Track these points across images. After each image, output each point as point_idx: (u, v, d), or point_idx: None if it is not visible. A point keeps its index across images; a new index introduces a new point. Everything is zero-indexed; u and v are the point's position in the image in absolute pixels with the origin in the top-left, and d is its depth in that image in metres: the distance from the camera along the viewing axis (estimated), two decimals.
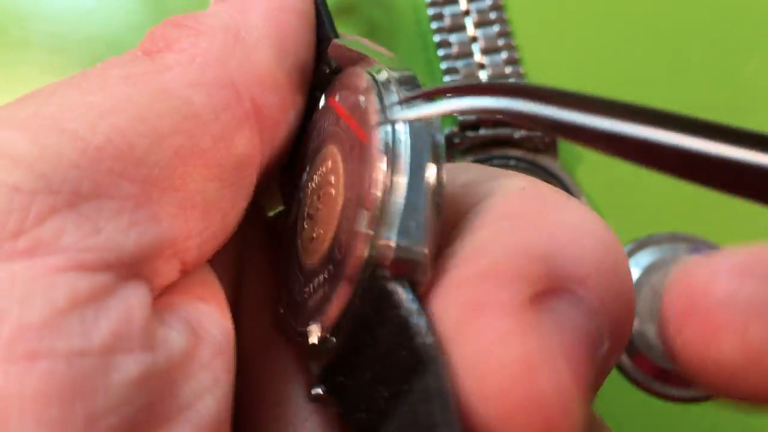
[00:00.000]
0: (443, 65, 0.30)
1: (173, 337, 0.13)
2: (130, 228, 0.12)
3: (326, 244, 0.15)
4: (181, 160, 0.13)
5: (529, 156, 0.29)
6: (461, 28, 0.30)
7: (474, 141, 0.28)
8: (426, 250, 0.12)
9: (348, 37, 0.17)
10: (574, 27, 0.32)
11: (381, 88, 0.14)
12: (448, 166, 0.15)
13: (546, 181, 0.28)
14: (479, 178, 0.15)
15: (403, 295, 0.12)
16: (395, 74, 0.14)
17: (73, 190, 0.12)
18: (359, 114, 0.14)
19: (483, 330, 0.12)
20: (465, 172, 0.15)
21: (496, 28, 0.30)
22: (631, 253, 0.28)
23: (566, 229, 0.13)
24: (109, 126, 0.12)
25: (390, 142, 0.13)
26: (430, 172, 0.13)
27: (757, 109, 0.31)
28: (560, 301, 0.12)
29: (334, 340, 0.14)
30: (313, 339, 0.14)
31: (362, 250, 0.13)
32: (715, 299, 0.12)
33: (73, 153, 0.12)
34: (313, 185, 0.16)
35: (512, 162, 0.29)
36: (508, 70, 0.30)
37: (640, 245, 0.28)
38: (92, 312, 0.11)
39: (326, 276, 0.14)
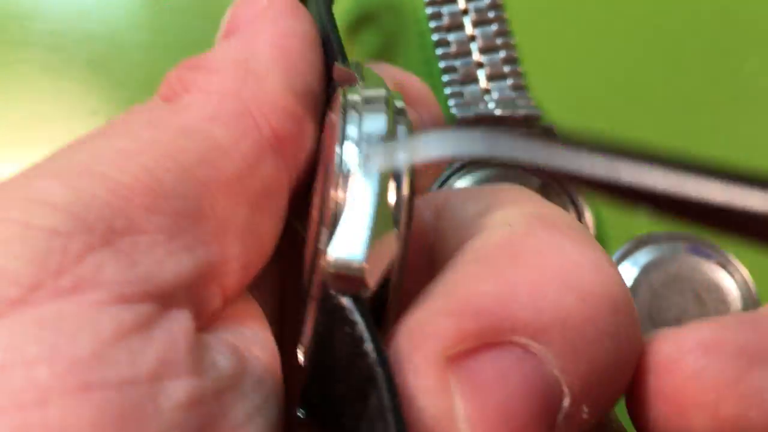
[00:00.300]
0: (441, 64, 0.30)
1: (220, 361, 0.13)
2: (166, 258, 0.13)
3: (308, 266, 0.15)
4: (209, 190, 0.14)
5: None
6: (459, 26, 0.30)
7: None
8: (364, 265, 0.12)
9: (372, 66, 0.18)
10: (573, 25, 0.32)
11: (347, 107, 0.14)
12: (467, 193, 0.16)
13: (544, 180, 0.28)
14: (484, 209, 0.15)
15: (351, 310, 0.12)
16: (366, 94, 0.14)
17: (107, 227, 0.12)
18: (331, 134, 0.14)
19: (406, 382, 0.12)
20: (478, 201, 0.15)
21: (494, 27, 0.30)
22: (630, 251, 0.28)
23: (533, 277, 0.12)
24: (136, 166, 0.13)
25: (345, 163, 0.13)
26: (381, 188, 0.13)
27: (756, 107, 0.31)
28: (499, 356, 0.12)
29: (312, 365, 0.14)
30: (301, 360, 0.14)
31: (321, 268, 0.13)
32: (683, 377, 0.12)
33: (104, 193, 0.13)
34: (310, 208, 0.16)
35: None
36: (506, 69, 0.30)
37: (639, 244, 0.28)
38: (138, 341, 0.12)
39: (306, 296, 0.14)
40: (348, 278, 0.12)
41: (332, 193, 0.13)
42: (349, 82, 0.16)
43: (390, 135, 0.14)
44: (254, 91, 0.15)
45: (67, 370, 0.11)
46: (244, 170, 0.14)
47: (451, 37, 0.30)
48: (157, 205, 0.13)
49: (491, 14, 0.30)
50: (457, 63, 0.30)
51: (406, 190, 0.13)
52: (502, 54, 0.30)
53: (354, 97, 0.14)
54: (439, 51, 0.30)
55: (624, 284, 0.13)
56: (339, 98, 0.15)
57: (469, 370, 0.12)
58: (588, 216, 0.28)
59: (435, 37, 0.30)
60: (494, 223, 0.14)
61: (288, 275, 0.18)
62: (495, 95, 0.29)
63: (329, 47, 0.17)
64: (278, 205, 0.15)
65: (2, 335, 0.11)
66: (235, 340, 0.14)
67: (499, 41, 0.30)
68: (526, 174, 0.29)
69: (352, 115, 0.14)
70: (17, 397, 0.11)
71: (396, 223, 0.13)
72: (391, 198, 0.13)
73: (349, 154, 0.13)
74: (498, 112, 0.28)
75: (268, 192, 0.15)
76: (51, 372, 0.11)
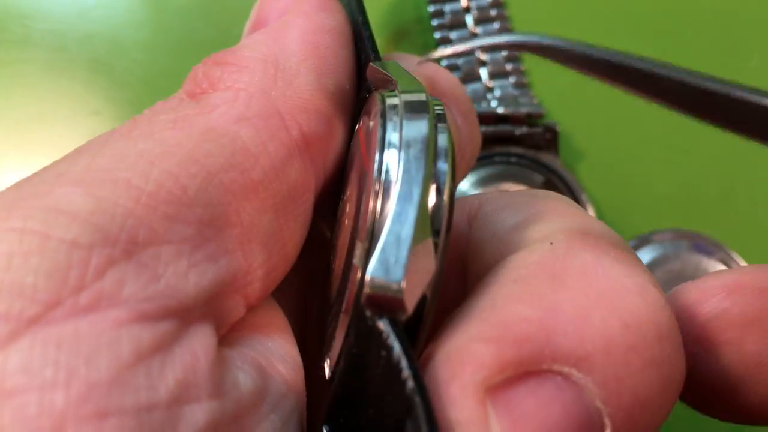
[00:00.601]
0: (444, 62, 0.30)
1: (241, 380, 0.13)
2: (190, 270, 0.12)
3: (339, 277, 0.14)
4: (234, 196, 0.13)
5: (530, 153, 0.29)
6: (462, 24, 0.30)
7: None
8: (403, 287, 0.12)
9: (397, 55, 0.17)
10: (575, 23, 0.32)
11: (387, 113, 0.13)
12: (503, 200, 0.15)
13: (547, 178, 0.28)
14: (522, 221, 0.14)
15: (387, 333, 0.12)
16: (406, 99, 0.14)
17: (130, 239, 0.12)
18: (369, 141, 0.14)
19: (442, 412, 0.11)
20: (515, 211, 0.15)
21: (496, 25, 0.30)
22: (633, 250, 0.28)
23: (576, 301, 0.12)
24: (160, 171, 0.13)
25: (384, 172, 0.13)
26: (422, 202, 0.12)
27: None
28: (540, 386, 0.11)
29: (341, 380, 0.13)
30: (327, 374, 0.14)
31: (354, 284, 0.13)
32: (708, 317, 0.13)
33: (127, 202, 0.12)
34: (339, 213, 0.16)
35: (513, 159, 0.29)
36: (508, 66, 0.30)
37: (642, 242, 0.28)
38: (158, 363, 0.11)
39: (336, 310, 0.14)
40: (385, 300, 0.12)
41: (371, 203, 0.13)
42: (384, 82, 0.15)
43: (431, 142, 0.13)
44: (283, 91, 0.15)
45: (83, 395, 0.11)
46: (271, 174, 0.14)
47: (453, 34, 0.30)
48: (181, 214, 0.12)
49: (493, 12, 0.30)
50: (460, 61, 0.30)
51: (446, 197, 0.13)
52: (504, 52, 0.30)
53: (393, 101, 0.14)
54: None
55: (669, 309, 0.12)
56: (377, 103, 0.14)
57: (508, 400, 0.11)
58: (591, 214, 0.28)
59: (437, 35, 0.30)
60: (534, 238, 0.13)
61: (313, 275, 0.18)
62: (497, 93, 0.29)
63: (360, 41, 0.16)
64: (304, 208, 0.15)
65: (18, 357, 0.11)
66: (257, 354, 0.13)
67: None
68: (529, 170, 0.28)
69: (392, 121, 0.13)
70: (32, 424, 0.10)
71: (435, 234, 0.12)
72: (431, 204, 0.12)
73: (389, 162, 0.13)
74: (500, 109, 0.28)
75: (294, 195, 0.14)
76: (67, 397, 0.10)
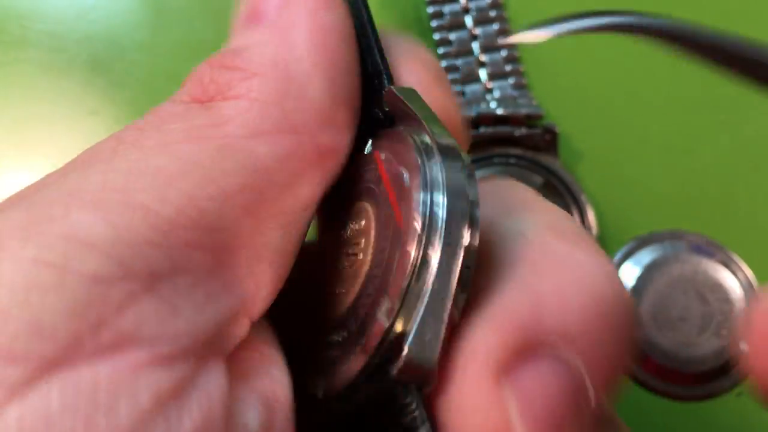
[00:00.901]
0: (443, 63, 0.30)
1: (251, 419, 0.12)
2: (206, 303, 0.12)
3: (346, 306, 0.14)
4: (249, 217, 0.13)
5: (529, 154, 0.29)
6: (461, 25, 0.30)
7: (475, 139, 0.28)
8: (436, 362, 0.12)
9: (394, 38, 0.16)
10: None
11: (426, 168, 0.13)
12: (486, 188, 0.15)
13: (546, 179, 0.28)
14: (494, 214, 0.14)
15: (412, 400, 0.12)
16: (441, 142, 0.13)
17: (150, 271, 0.11)
18: (400, 189, 0.14)
19: (453, 402, 0.12)
20: (483, 204, 0.15)
21: (495, 26, 0.30)
22: (632, 251, 0.28)
23: (556, 287, 0.13)
24: (178, 193, 0.12)
25: (424, 233, 0.13)
26: (462, 277, 0.12)
27: (757, 107, 0.31)
28: (537, 365, 0.12)
29: (340, 406, 0.14)
30: (318, 393, 0.14)
31: (377, 338, 0.13)
32: None
33: (147, 230, 0.12)
34: (345, 236, 0.15)
35: (512, 160, 0.29)
36: (507, 68, 0.30)
37: (641, 243, 0.28)
38: (175, 409, 0.11)
39: (341, 339, 0.14)
40: (418, 374, 0.12)
41: (405, 263, 0.12)
42: (403, 113, 0.14)
43: (468, 193, 0.13)
44: (297, 101, 0.14)
45: None
46: (286, 192, 0.13)
47: (453, 36, 0.30)
48: (198, 240, 0.12)
49: (492, 13, 0.30)
50: (459, 62, 0.30)
51: (473, 263, 0.13)
52: (503, 53, 0.30)
53: (425, 139, 0.14)
54: (441, 50, 0.30)
55: (625, 290, 0.14)
56: (409, 148, 0.14)
57: (515, 379, 0.12)
58: (591, 215, 0.28)
59: (436, 36, 0.30)
60: (509, 232, 0.14)
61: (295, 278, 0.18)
62: (496, 94, 0.29)
63: (363, 39, 0.16)
64: (305, 221, 0.14)
65: (38, 404, 0.10)
66: (262, 386, 0.13)
67: (500, 40, 0.30)
68: (528, 171, 0.28)
69: (428, 173, 0.13)
70: None
71: (462, 290, 0.12)
72: (465, 269, 0.13)
73: (427, 223, 0.13)
74: (499, 110, 0.28)
75: (302, 210, 0.14)
76: None
